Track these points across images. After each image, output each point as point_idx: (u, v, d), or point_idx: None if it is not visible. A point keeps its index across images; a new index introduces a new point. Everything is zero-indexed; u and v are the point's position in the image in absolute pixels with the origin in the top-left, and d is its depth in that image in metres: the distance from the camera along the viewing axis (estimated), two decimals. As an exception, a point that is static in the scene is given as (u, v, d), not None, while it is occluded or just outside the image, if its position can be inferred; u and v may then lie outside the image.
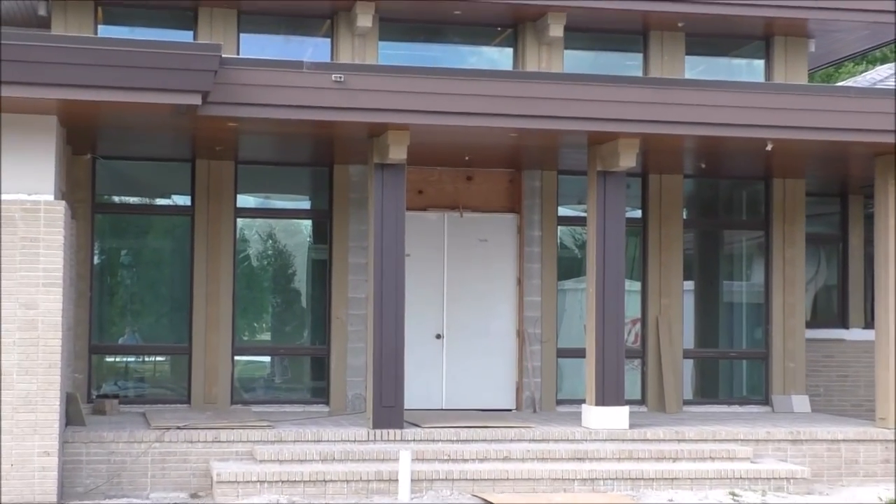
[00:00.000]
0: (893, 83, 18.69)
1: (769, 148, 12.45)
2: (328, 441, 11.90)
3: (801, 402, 15.12)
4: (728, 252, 15.87)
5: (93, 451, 11.42)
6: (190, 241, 14.07)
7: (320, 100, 11.33)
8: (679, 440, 12.47)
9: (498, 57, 15.05)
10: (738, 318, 15.66)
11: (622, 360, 12.76)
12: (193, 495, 11.37)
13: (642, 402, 14.95)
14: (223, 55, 10.96)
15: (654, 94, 11.97)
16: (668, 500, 11.33)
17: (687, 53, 15.19)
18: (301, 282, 14.81)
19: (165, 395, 14.08)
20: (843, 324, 16.39)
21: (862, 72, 25.40)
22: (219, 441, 11.66)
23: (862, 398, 16.00)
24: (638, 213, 15.17)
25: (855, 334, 16.32)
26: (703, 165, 14.44)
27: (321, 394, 14.40)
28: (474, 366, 14.67)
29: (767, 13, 14.48)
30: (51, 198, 10.95)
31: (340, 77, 11.32)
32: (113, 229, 14.24)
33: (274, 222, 14.68)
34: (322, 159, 14.32)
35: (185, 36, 13.95)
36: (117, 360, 14.16)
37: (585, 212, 13.64)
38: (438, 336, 14.67)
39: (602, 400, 12.64)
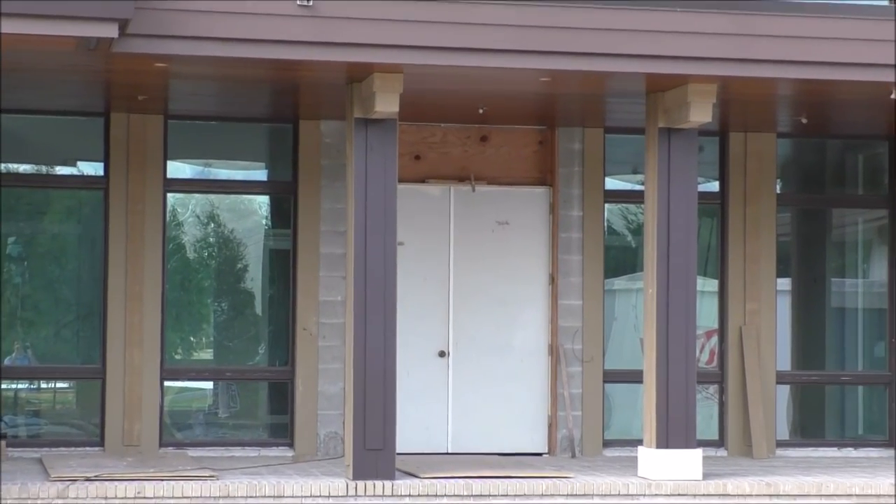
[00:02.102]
0: None
1: None
2: (293, 497, 11.88)
3: (937, 444, 15.10)
4: (838, 238, 15.82)
5: (-29, 512, 11.39)
6: (103, 224, 14.06)
7: (281, 31, 11.29)
8: (771, 495, 12.45)
9: (523, -28, 15.01)
10: (851, 330, 15.61)
11: (693, 386, 12.74)
12: (108, 571, 11.36)
13: (720, 443, 14.96)
14: (148, -30, 10.93)
15: (737, 21, 11.93)
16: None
17: (782, -34, 15.15)
18: (255, 280, 14.80)
19: (70, 434, 14.08)
20: None
21: None
22: (143, 497, 11.64)
23: None
24: (715, 186, 15.16)
25: None
26: (805, 120, 14.39)
27: (283, 432, 14.41)
28: (491, 394, 14.67)
29: None
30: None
31: (308, 1, 11.29)
32: (-2, 209, 14.24)
33: (218, 199, 14.67)
34: (284, 113, 14.30)
35: (96, -56, 13.92)
36: (3, 387, 14.14)
37: (642, 184, 13.60)
38: (442, 354, 14.66)
39: (665, 441, 12.62)
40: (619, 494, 12.28)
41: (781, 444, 15.10)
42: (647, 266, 12.95)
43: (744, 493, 12.42)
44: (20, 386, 14.21)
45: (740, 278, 15.03)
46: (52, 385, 14.34)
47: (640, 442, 13.12)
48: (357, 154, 12.27)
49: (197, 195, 14.61)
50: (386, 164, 12.25)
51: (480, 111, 13.93)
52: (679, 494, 12.32)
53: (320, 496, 11.93)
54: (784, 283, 15.41)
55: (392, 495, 11.96)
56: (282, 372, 14.45)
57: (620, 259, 15.23)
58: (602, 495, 12.26)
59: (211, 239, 14.73)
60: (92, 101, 13.69)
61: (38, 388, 14.33)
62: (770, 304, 15.06)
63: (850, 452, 15.18)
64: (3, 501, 11.39)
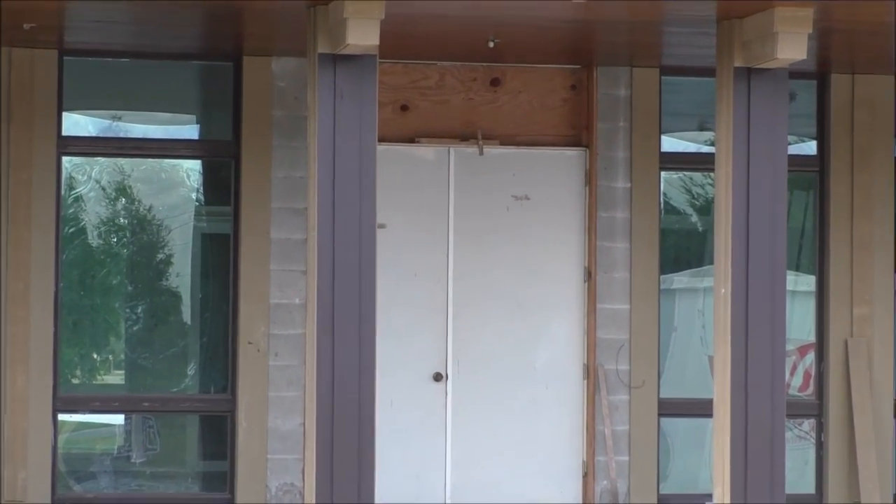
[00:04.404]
0: None
1: None
2: (233, 573, 11.90)
3: None
4: (979, 220, 15.83)
5: None
6: (-25, 199, 14.08)
7: (217, -66, 11.33)
8: (888, 571, 12.48)
9: None
10: None
11: (781, 421, 12.73)
12: None
13: (818, 497, 15.07)
14: None
15: (842, -78, 11.92)
16: None
17: None
18: (182, 276, 14.85)
19: (-70, 486, 14.09)
20: None
21: None
22: (29, 573, 11.66)
23: None
24: (811, 148, 15.24)
25: None
26: (933, 57, 14.41)
27: (220, 483, 14.50)
28: (505, 431, 14.76)
29: None
30: None
31: None
32: None
33: (131, 164, 14.71)
34: (222, 47, 14.36)
35: None
36: None
37: (712, 145, 13.58)
38: (439, 377, 14.69)
39: (744, 495, 12.62)
40: (679, 569, 12.32)
41: (901, 498, 15.17)
42: (719, 257, 12.91)
43: (850, 568, 12.45)
44: None
45: (846, 274, 15.09)
46: None
47: (708, 497, 13.15)
48: (322, 103, 12.22)
49: (102, 159, 14.63)
50: (362, 117, 12.21)
51: (491, 44, 13.90)
52: (762, 569, 12.36)
53: (271, 571, 11.94)
54: (905, 281, 15.44)
55: (369, 570, 11.97)
56: (218, 402, 14.49)
57: (682, 247, 15.28)
58: (657, 570, 12.29)
59: (122, 219, 14.73)
60: (-41, 31, 13.70)
61: None
62: (887, 309, 15.13)
63: None
64: None
